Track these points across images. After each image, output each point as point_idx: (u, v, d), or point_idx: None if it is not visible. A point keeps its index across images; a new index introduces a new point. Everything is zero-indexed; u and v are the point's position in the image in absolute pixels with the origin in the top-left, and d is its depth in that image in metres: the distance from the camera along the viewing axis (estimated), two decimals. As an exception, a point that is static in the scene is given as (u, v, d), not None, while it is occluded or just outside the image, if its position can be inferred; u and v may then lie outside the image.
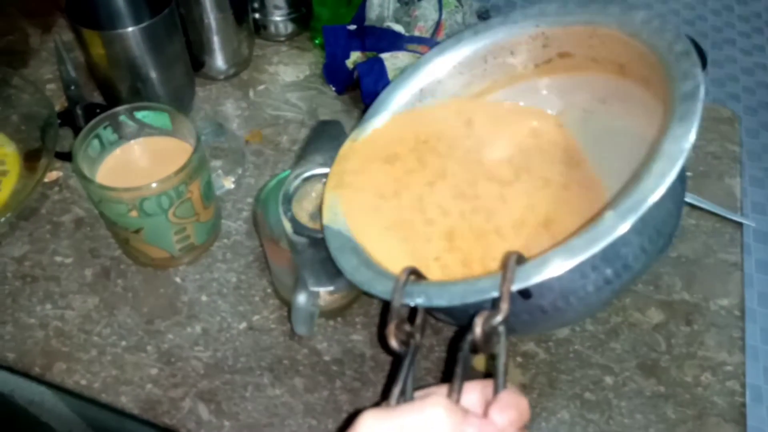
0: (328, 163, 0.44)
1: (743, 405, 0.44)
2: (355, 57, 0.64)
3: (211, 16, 0.59)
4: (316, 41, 0.68)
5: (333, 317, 0.48)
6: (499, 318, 0.28)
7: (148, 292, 0.49)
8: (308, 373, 0.45)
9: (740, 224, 0.54)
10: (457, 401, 0.28)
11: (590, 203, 0.39)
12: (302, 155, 0.45)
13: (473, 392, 0.29)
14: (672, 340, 0.47)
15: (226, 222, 0.54)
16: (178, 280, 0.50)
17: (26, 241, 0.52)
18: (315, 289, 0.39)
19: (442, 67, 0.46)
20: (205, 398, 0.44)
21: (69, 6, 0.51)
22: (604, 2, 0.40)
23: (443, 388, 0.28)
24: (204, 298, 0.49)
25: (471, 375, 0.30)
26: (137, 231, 0.45)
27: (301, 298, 0.39)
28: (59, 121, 0.56)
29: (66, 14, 0.52)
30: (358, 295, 0.48)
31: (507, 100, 0.46)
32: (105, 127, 0.46)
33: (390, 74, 0.58)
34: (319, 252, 0.40)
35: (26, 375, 0.45)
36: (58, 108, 0.61)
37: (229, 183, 0.56)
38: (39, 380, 0.45)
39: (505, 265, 0.30)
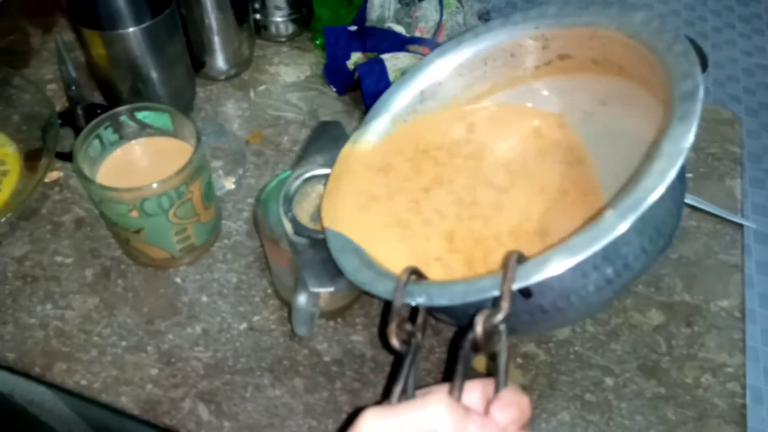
0: (329, 163, 0.44)
1: (744, 406, 0.44)
2: (355, 58, 0.64)
3: (212, 17, 0.59)
4: (317, 42, 0.68)
5: (333, 318, 0.48)
6: (500, 317, 0.28)
7: (148, 292, 0.49)
8: (308, 374, 0.45)
9: (741, 225, 0.54)
10: (459, 399, 0.28)
11: (586, 210, 0.40)
12: (303, 156, 0.45)
13: (474, 391, 0.29)
14: (672, 342, 0.47)
15: (226, 222, 0.54)
16: (178, 280, 0.50)
17: (27, 241, 0.52)
18: (315, 289, 0.39)
19: (442, 69, 0.46)
20: (206, 399, 0.44)
21: (70, 6, 0.51)
22: (603, 4, 0.40)
23: (444, 387, 0.28)
24: (204, 298, 0.49)
25: (471, 376, 0.29)
26: (138, 231, 0.45)
27: (302, 299, 0.39)
28: (60, 121, 0.56)
29: (67, 14, 0.52)
30: (359, 295, 0.48)
31: (508, 102, 0.46)
32: (106, 128, 0.46)
33: (391, 75, 0.58)
34: (319, 253, 0.40)
35: (26, 375, 0.45)
36: (58, 108, 0.61)
37: (229, 183, 0.56)
38: (39, 380, 0.45)
39: (505, 264, 0.30)
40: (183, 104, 0.60)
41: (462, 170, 0.45)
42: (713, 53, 1.83)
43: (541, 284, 0.30)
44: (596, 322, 0.48)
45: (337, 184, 0.42)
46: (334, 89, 0.64)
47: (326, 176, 0.43)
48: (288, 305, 0.48)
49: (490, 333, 0.29)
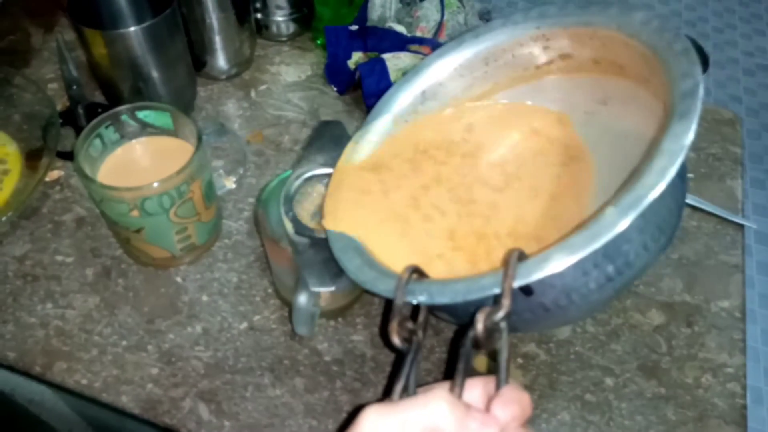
0: (330, 163, 0.44)
1: (744, 407, 0.44)
2: (356, 57, 0.64)
3: (213, 16, 0.59)
4: (318, 41, 0.68)
5: (334, 318, 0.48)
6: (501, 314, 0.28)
7: (148, 291, 0.49)
8: (309, 374, 0.45)
9: (741, 226, 0.54)
10: (460, 396, 0.28)
11: (580, 214, 0.40)
12: (304, 155, 0.45)
13: (475, 388, 0.29)
14: (673, 342, 0.47)
15: (227, 222, 0.54)
16: (179, 279, 0.50)
17: (27, 241, 0.52)
18: (316, 289, 0.39)
19: (443, 69, 0.46)
20: (206, 398, 0.44)
21: (71, 6, 0.51)
22: (604, 3, 0.40)
23: (445, 384, 0.28)
24: (205, 297, 0.49)
25: (472, 376, 0.30)
26: (138, 230, 0.45)
27: (302, 299, 0.39)
28: (61, 120, 0.57)
29: (68, 14, 0.52)
30: (359, 295, 0.48)
31: (508, 101, 0.46)
32: (106, 127, 0.46)
33: (392, 75, 0.58)
34: (320, 252, 0.40)
35: (27, 374, 0.45)
36: (59, 107, 0.61)
37: (230, 183, 0.56)
38: (39, 379, 0.45)
39: (506, 262, 0.30)
40: (184, 104, 0.60)
41: (459, 168, 0.45)
42: (714, 54, 1.83)
43: (542, 282, 0.30)
44: (596, 322, 0.48)
45: (339, 185, 0.42)
46: (335, 89, 0.64)
47: (327, 176, 0.43)
48: (288, 305, 0.48)
49: (491, 330, 0.29)
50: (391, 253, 0.39)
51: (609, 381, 0.45)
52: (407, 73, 0.47)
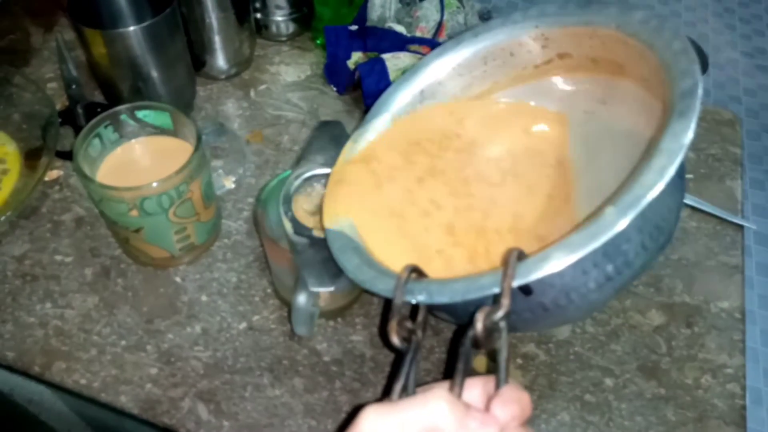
0: (329, 163, 0.44)
1: (743, 407, 0.44)
2: (356, 57, 0.64)
3: (213, 16, 0.59)
4: (318, 41, 0.68)
5: (333, 318, 0.48)
6: (500, 313, 0.28)
7: (148, 291, 0.49)
8: (308, 374, 0.45)
9: (741, 227, 0.54)
10: (459, 396, 0.28)
11: (572, 215, 0.40)
12: (303, 155, 0.45)
13: (475, 388, 0.29)
14: (672, 343, 0.47)
15: (226, 222, 0.54)
16: (178, 279, 0.50)
17: (26, 240, 0.52)
18: (315, 289, 0.39)
19: (442, 68, 0.46)
20: (205, 398, 0.44)
21: (71, 5, 0.51)
22: (603, 3, 0.40)
23: (445, 384, 0.28)
24: (204, 297, 0.49)
25: (472, 376, 0.29)
26: (137, 230, 0.45)
27: (302, 299, 0.39)
28: (60, 120, 0.56)
29: (68, 13, 0.52)
30: (359, 295, 0.48)
31: (504, 100, 0.46)
32: (106, 126, 0.46)
33: (391, 75, 0.58)
34: (319, 252, 0.40)
35: (26, 374, 0.45)
36: (59, 107, 0.61)
37: (229, 183, 0.56)
38: (38, 379, 0.45)
39: (506, 261, 0.30)
40: (183, 103, 0.60)
41: (453, 162, 0.45)
42: (714, 54, 1.83)
43: (541, 281, 0.30)
44: (596, 322, 0.48)
45: (338, 184, 0.42)
46: (335, 89, 0.64)
47: (326, 176, 0.43)
48: (288, 305, 0.48)
49: (491, 330, 0.29)
50: (389, 249, 0.39)
51: (609, 381, 0.45)
52: (406, 72, 0.47)
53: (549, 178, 0.43)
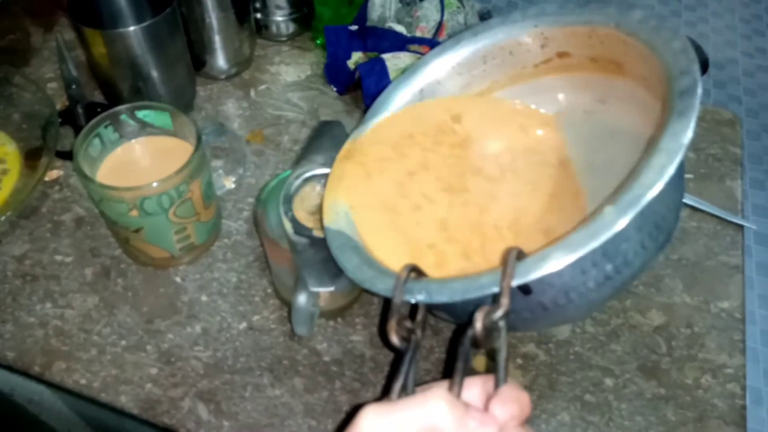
0: (329, 163, 0.44)
1: (743, 407, 0.44)
2: (356, 57, 0.64)
3: (213, 16, 0.59)
4: (318, 41, 0.68)
5: (333, 318, 0.48)
6: (499, 313, 0.28)
7: (148, 291, 0.49)
8: (308, 374, 0.45)
9: (741, 227, 0.54)
10: (458, 395, 0.28)
11: (578, 213, 0.39)
12: (303, 155, 0.45)
13: (474, 387, 0.29)
14: (672, 343, 0.47)
15: (226, 222, 0.54)
16: (178, 279, 0.50)
17: (27, 240, 0.52)
18: (315, 289, 0.39)
19: (441, 67, 0.46)
20: (205, 398, 0.44)
21: (71, 5, 0.51)
22: (602, 2, 0.40)
23: (444, 383, 0.28)
24: (204, 297, 0.49)
25: (471, 375, 0.29)
26: (137, 230, 0.45)
27: (302, 299, 0.39)
28: (60, 119, 0.57)
29: (68, 13, 0.52)
30: (358, 295, 0.48)
31: (501, 99, 0.46)
32: (106, 126, 0.46)
33: (391, 75, 0.58)
34: (319, 252, 0.40)
35: (26, 374, 0.45)
36: (59, 107, 0.61)
37: (229, 183, 0.56)
38: (38, 379, 0.45)
39: (505, 261, 0.30)
40: (183, 103, 0.60)
41: (447, 157, 0.44)
42: (714, 54, 1.83)
43: (540, 281, 0.30)
44: (596, 322, 0.48)
45: (337, 183, 0.42)
46: (335, 89, 0.64)
47: (326, 176, 0.43)
48: (288, 305, 0.48)
49: (490, 329, 0.29)
50: (384, 243, 0.39)
51: (609, 381, 0.45)
52: (405, 71, 0.47)
53: (551, 178, 0.43)
